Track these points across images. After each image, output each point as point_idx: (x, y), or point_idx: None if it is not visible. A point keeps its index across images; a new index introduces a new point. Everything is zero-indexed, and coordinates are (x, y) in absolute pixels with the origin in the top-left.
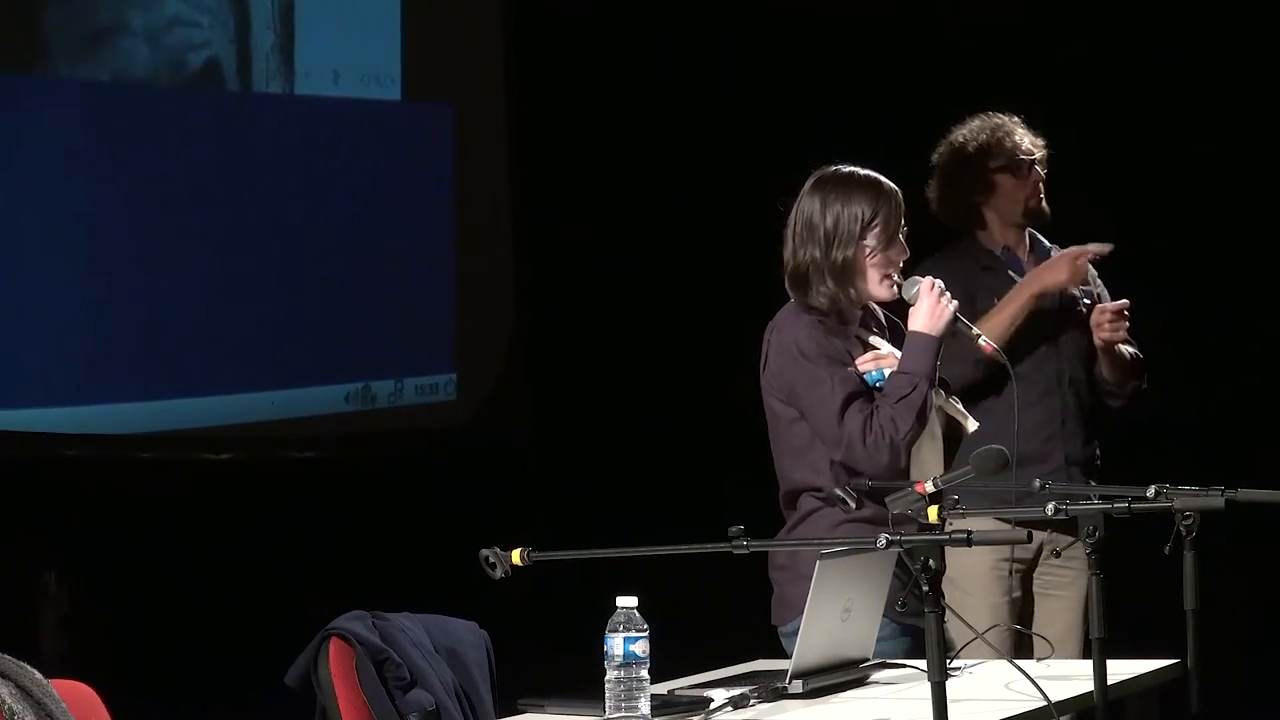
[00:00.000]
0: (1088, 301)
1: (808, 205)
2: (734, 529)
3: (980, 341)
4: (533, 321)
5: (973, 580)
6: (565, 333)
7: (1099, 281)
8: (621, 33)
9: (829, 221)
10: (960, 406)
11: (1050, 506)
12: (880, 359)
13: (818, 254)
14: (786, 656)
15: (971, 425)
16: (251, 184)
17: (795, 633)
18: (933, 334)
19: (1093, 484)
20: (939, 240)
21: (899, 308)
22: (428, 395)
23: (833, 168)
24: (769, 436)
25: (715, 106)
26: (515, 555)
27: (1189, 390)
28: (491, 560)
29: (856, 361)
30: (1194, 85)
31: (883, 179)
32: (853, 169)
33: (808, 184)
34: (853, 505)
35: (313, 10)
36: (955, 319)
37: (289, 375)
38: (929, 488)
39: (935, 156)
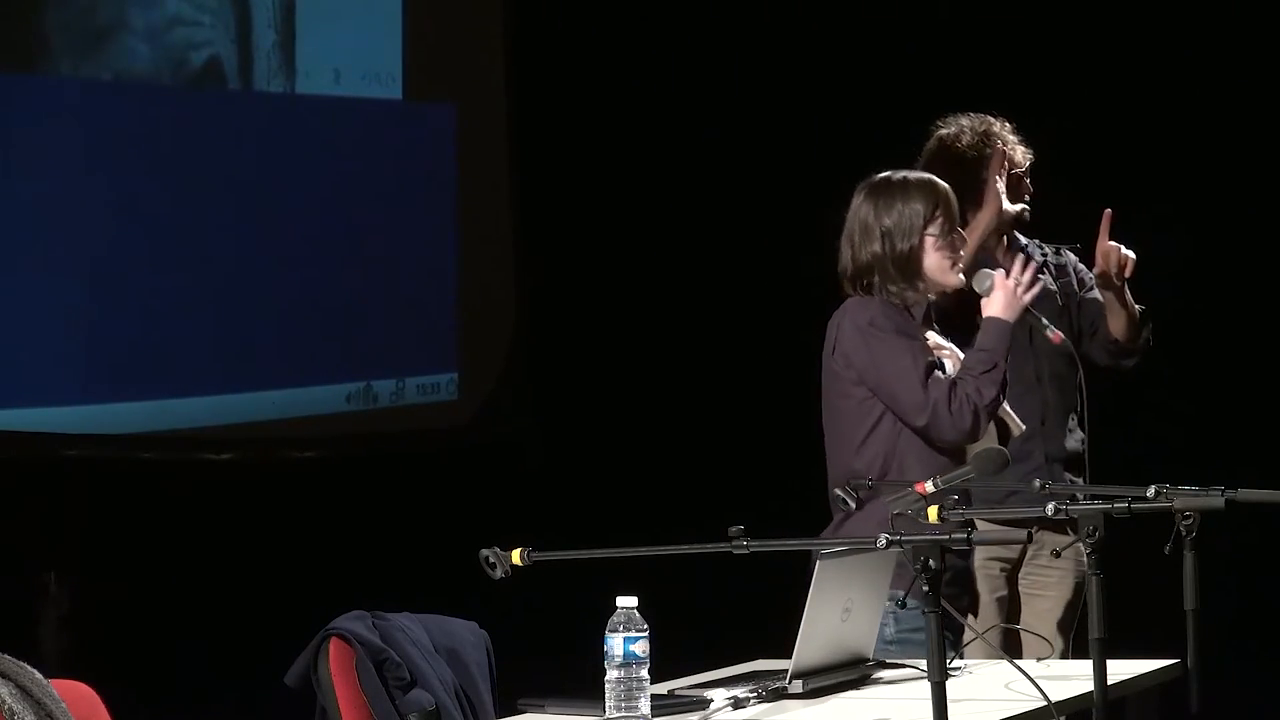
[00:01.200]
0: (1068, 294)
1: (863, 211)
2: (734, 529)
3: (1048, 333)
4: (533, 321)
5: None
6: (566, 332)
7: (1083, 271)
8: (621, 33)
9: (888, 220)
10: (1009, 409)
11: (1050, 506)
12: (940, 348)
13: (878, 249)
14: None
15: (1019, 429)
16: (252, 183)
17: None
18: (1008, 320)
19: (1077, 481)
20: None
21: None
22: (429, 395)
23: (881, 174)
24: (826, 428)
25: (715, 106)
26: (515, 555)
27: (1189, 390)
28: (491, 560)
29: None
30: (1192, 86)
31: (935, 178)
32: (904, 172)
33: (860, 193)
34: (853, 505)
35: (313, 10)
36: (1028, 310)
37: (289, 375)
38: (929, 488)
39: (924, 151)
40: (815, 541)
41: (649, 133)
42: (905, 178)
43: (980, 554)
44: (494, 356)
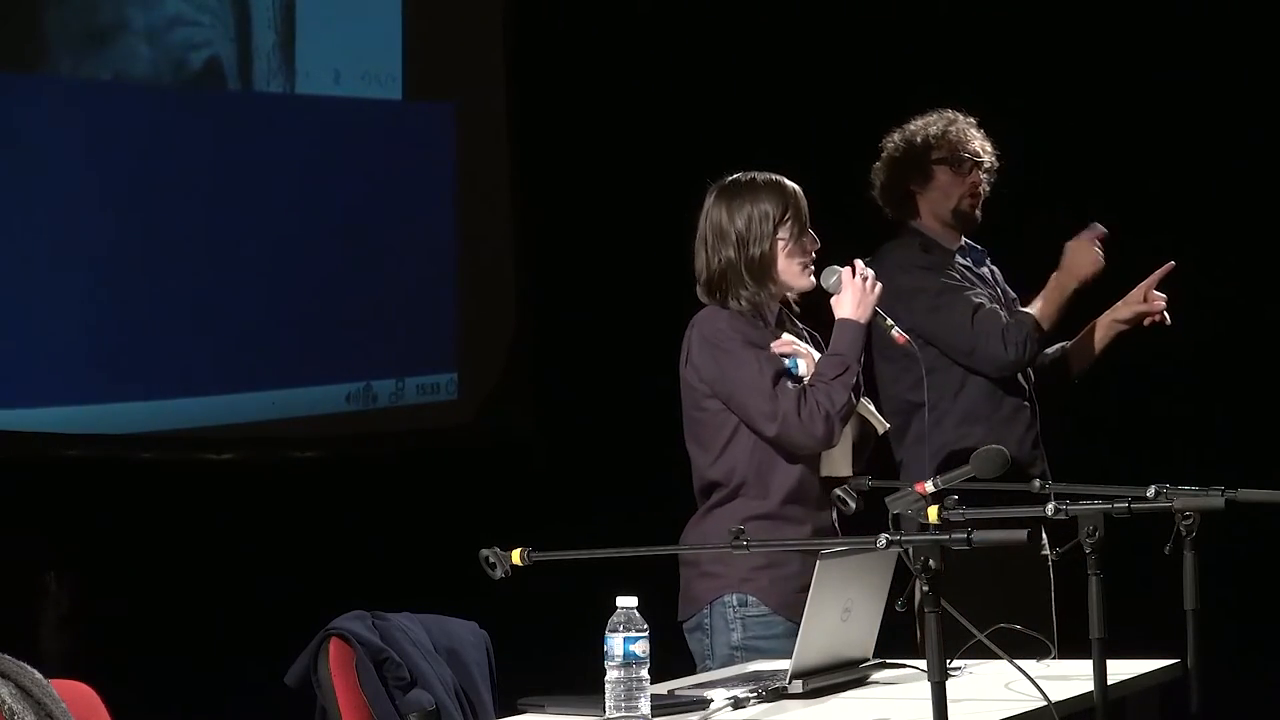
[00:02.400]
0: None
1: (715, 214)
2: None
3: (893, 333)
4: (533, 321)
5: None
6: (566, 332)
7: (1000, 281)
8: (621, 33)
9: (739, 223)
10: (873, 408)
11: (1050, 507)
12: (795, 346)
13: (732, 254)
14: (690, 656)
15: (882, 427)
16: (252, 184)
17: (698, 628)
18: (860, 320)
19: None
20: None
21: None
22: (429, 394)
23: (731, 177)
24: (686, 433)
25: (715, 107)
26: (515, 555)
27: (1189, 390)
28: (491, 560)
29: (773, 345)
30: (1190, 86)
31: (783, 178)
32: (752, 174)
33: (710, 196)
34: (852, 505)
35: (313, 10)
36: (875, 309)
37: (289, 375)
38: (929, 488)
39: (886, 142)
40: (815, 542)
41: (649, 133)
42: (754, 179)
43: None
44: (494, 356)
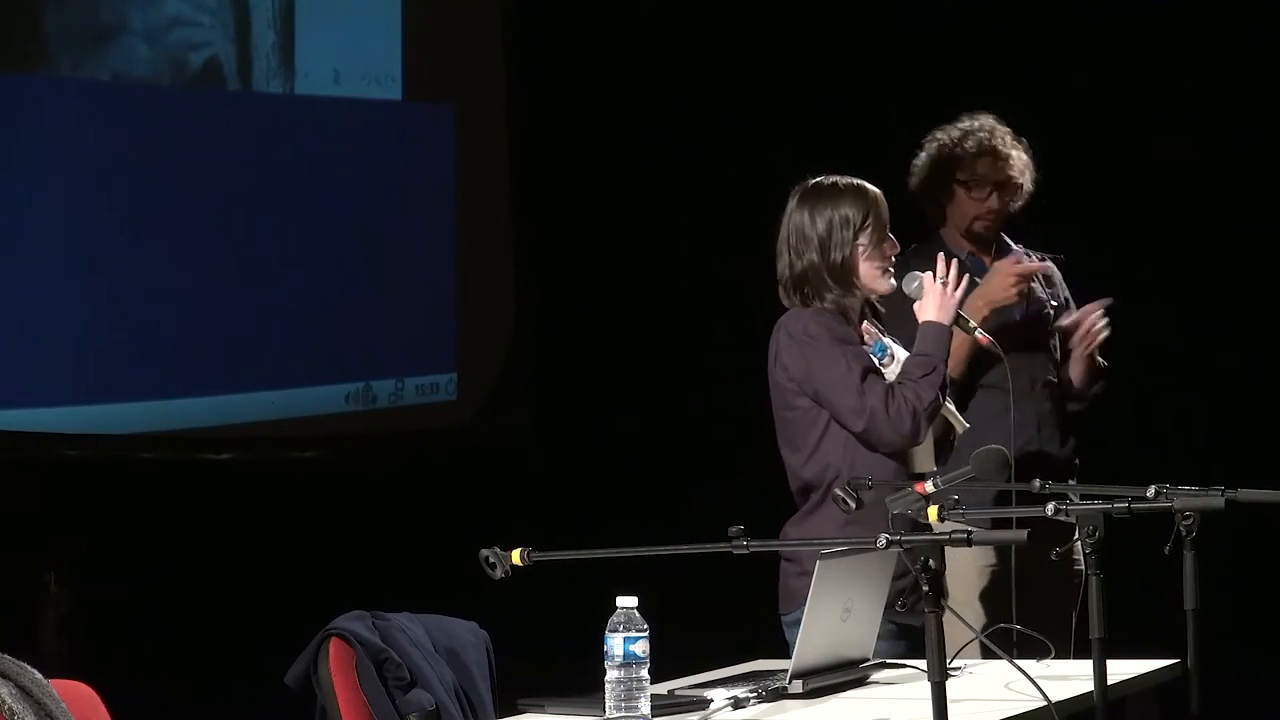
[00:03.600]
0: (1055, 304)
1: (797, 217)
2: (734, 529)
3: (976, 335)
4: (533, 321)
5: (959, 583)
6: (565, 332)
7: (1064, 285)
8: (621, 33)
9: (821, 228)
10: (953, 408)
11: (1050, 506)
12: (883, 336)
13: (815, 258)
14: (785, 643)
15: (961, 427)
16: (251, 184)
17: (795, 623)
18: (944, 323)
19: (1071, 483)
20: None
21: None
22: (428, 395)
23: (813, 180)
24: (779, 436)
25: (714, 107)
26: (515, 555)
27: (1188, 390)
28: (491, 560)
29: (863, 327)
30: (1187, 97)
31: (865, 183)
32: (834, 178)
33: (793, 199)
34: (853, 505)
35: (313, 10)
36: (958, 312)
37: (289, 375)
38: (929, 488)
39: (925, 144)
40: (815, 541)
41: (649, 133)
42: (836, 183)
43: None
44: (494, 356)
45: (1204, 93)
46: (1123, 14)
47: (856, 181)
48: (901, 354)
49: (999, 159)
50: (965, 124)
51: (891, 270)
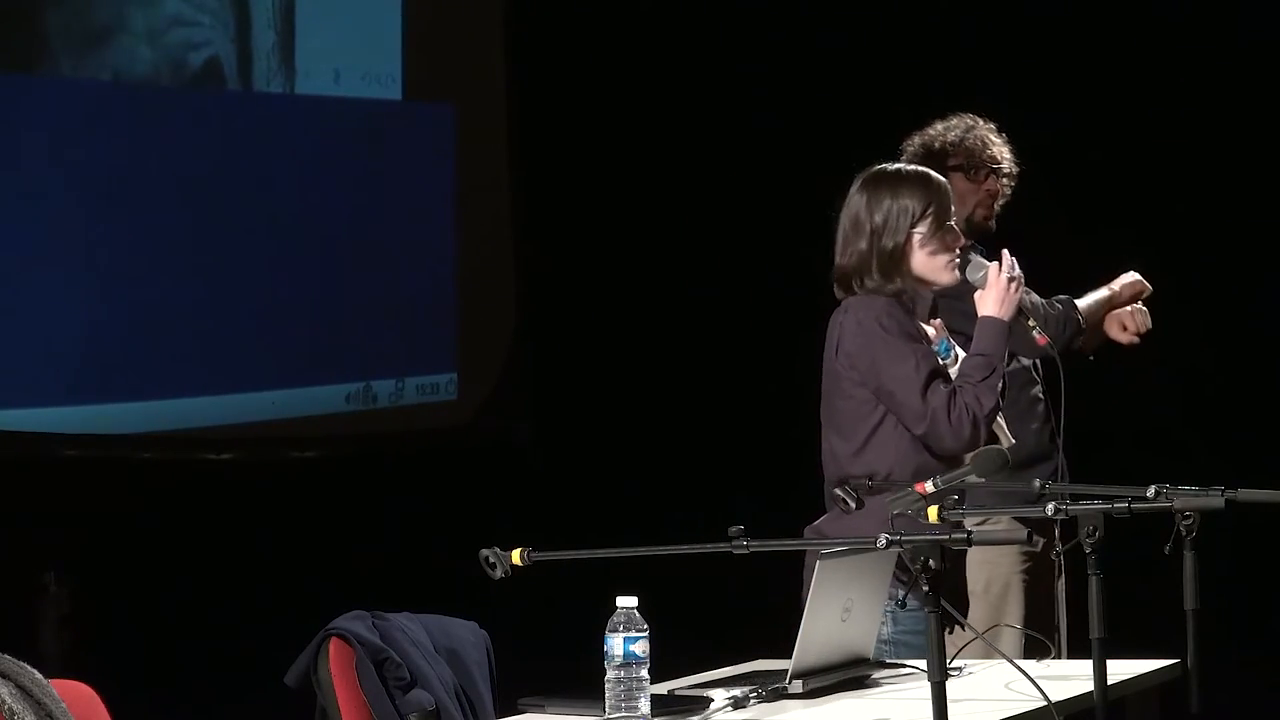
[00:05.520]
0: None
1: (855, 203)
2: (734, 529)
3: (1034, 334)
4: (533, 321)
5: (1003, 590)
6: (565, 332)
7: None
8: (621, 32)
9: (877, 217)
10: (1002, 422)
11: (1050, 506)
12: (946, 335)
13: (864, 246)
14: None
15: (1008, 442)
16: (252, 184)
17: None
18: (1004, 319)
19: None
20: None
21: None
22: (428, 395)
23: (878, 166)
24: (825, 422)
25: (714, 107)
26: (515, 555)
27: (1189, 390)
28: (491, 560)
29: (930, 325)
30: (1190, 92)
31: (930, 172)
32: (899, 165)
33: (855, 184)
34: (853, 505)
35: (313, 10)
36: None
37: (289, 375)
38: (929, 488)
39: (905, 145)
40: (815, 541)
41: (649, 133)
42: (900, 171)
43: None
44: (494, 356)
45: (1204, 92)
46: (1121, 13)
47: (920, 169)
48: (962, 355)
49: (990, 142)
50: (952, 120)
51: (956, 261)
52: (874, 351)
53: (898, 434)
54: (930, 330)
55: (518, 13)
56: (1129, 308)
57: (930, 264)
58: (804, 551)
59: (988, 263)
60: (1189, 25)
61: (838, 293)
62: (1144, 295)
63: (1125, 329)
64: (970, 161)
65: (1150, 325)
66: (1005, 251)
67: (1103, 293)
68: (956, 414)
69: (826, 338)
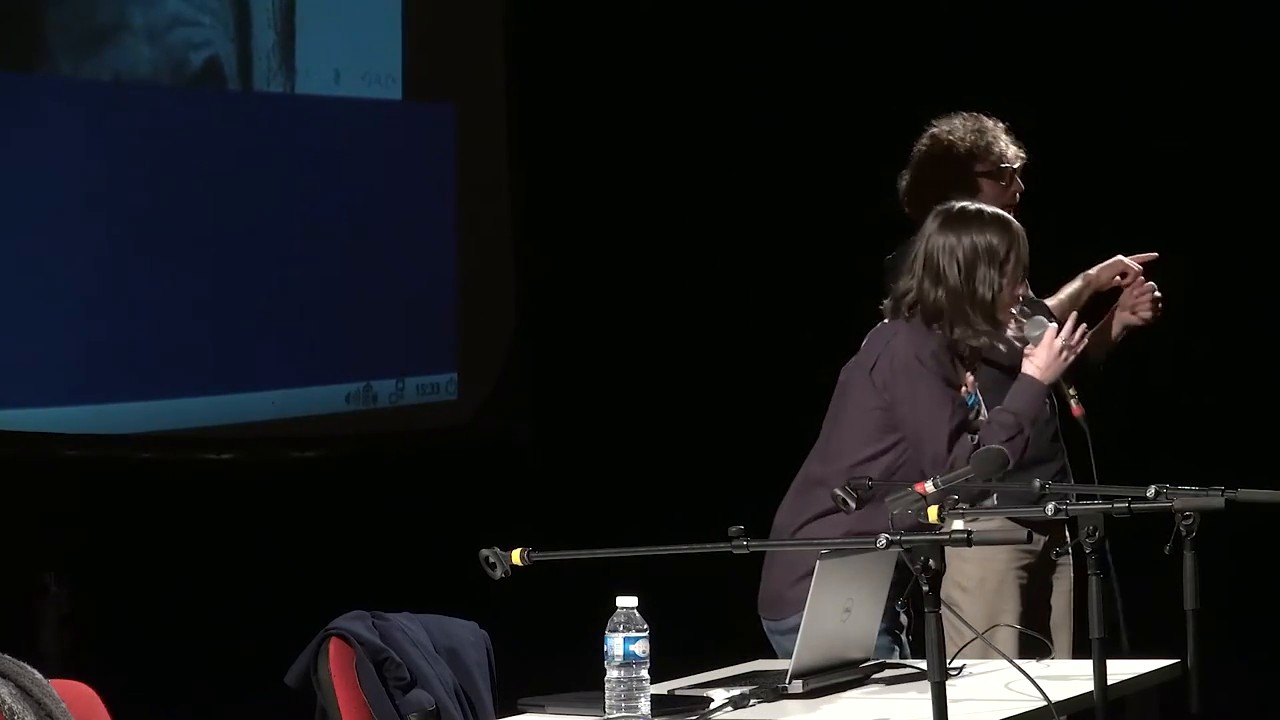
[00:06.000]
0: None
1: (940, 241)
2: (734, 529)
3: (1072, 403)
4: (533, 321)
5: (997, 586)
6: (565, 332)
7: None
8: (621, 32)
9: (962, 259)
10: None
11: (1050, 506)
12: (975, 390)
13: (959, 287)
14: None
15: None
16: (252, 184)
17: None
18: (1045, 383)
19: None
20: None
21: None
22: (428, 395)
23: (958, 206)
24: (830, 432)
25: (714, 107)
26: (515, 555)
27: (1189, 390)
28: (491, 560)
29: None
30: (1189, 92)
31: (1010, 217)
32: (980, 207)
33: (934, 222)
34: (853, 505)
35: (313, 10)
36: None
37: (289, 375)
38: (929, 488)
39: (916, 147)
40: (815, 541)
41: (649, 133)
42: (981, 212)
43: (1008, 561)
44: (494, 356)
45: (1203, 91)
46: (1121, 13)
47: (1000, 214)
48: (985, 415)
49: (1011, 144)
50: (950, 123)
51: (1015, 312)
52: (914, 386)
53: (898, 462)
54: (969, 379)
55: (518, 13)
56: (1133, 293)
57: (1005, 310)
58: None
59: (1049, 324)
60: (1188, 25)
61: (888, 314)
62: (1129, 274)
63: (1134, 312)
64: (997, 168)
65: (1155, 292)
66: (1072, 318)
67: (1076, 283)
68: None
69: (864, 348)
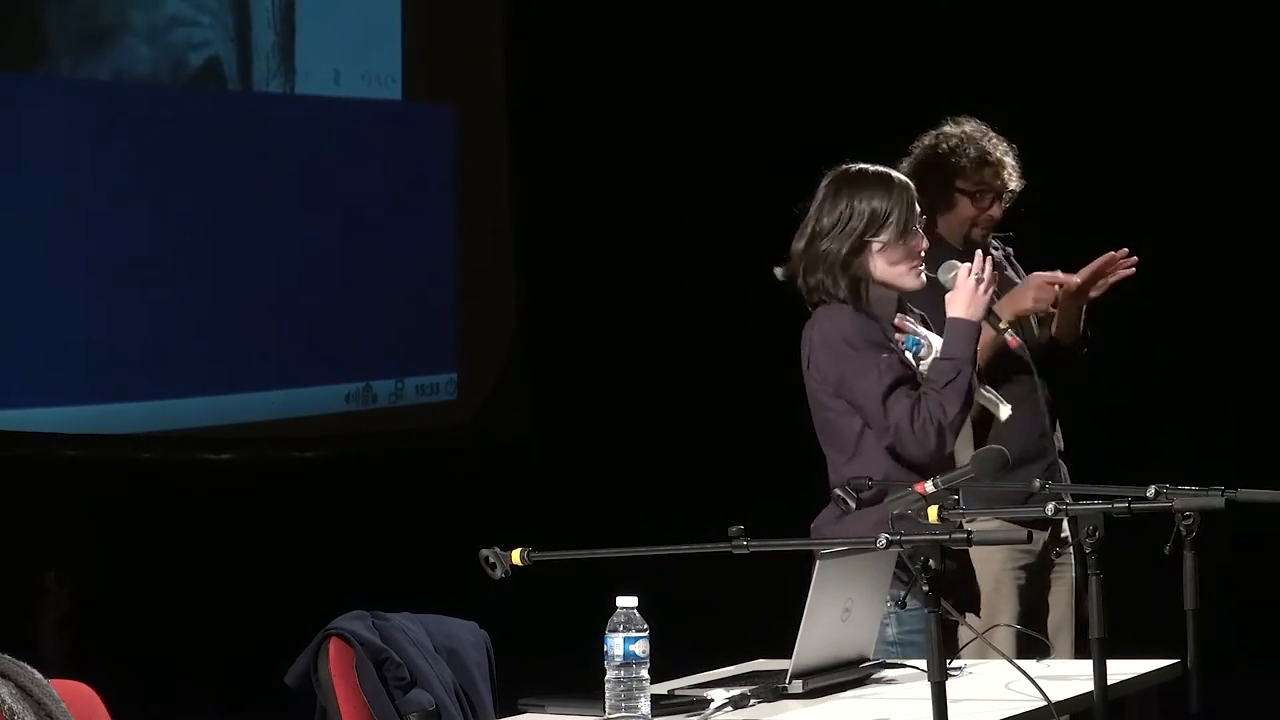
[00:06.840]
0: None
1: (819, 203)
2: (734, 529)
3: (1006, 336)
4: (533, 321)
5: (994, 586)
6: (565, 332)
7: (1014, 263)
8: (622, 33)
9: (841, 218)
10: (992, 395)
11: (1050, 506)
12: (916, 326)
13: (831, 246)
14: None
15: (1004, 412)
16: (252, 184)
17: None
18: (973, 319)
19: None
20: None
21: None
22: (428, 395)
23: (843, 166)
24: (819, 435)
25: (715, 108)
26: (515, 555)
27: (1189, 390)
28: (491, 560)
29: (896, 320)
30: (1179, 91)
31: (893, 173)
32: (863, 166)
33: (821, 183)
34: (853, 505)
35: (313, 10)
36: (989, 311)
37: (289, 375)
38: (929, 488)
39: (916, 144)
40: (815, 541)
41: (649, 133)
42: (862, 171)
43: (1004, 561)
44: (494, 357)
45: (1202, 91)
46: (1121, 14)
47: (884, 171)
48: (937, 342)
49: (1002, 167)
50: (957, 130)
51: (920, 266)
52: (840, 366)
53: (875, 443)
54: (909, 325)
55: (518, 13)
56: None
57: (893, 271)
58: (804, 551)
59: (960, 264)
60: (1189, 25)
61: (800, 284)
62: (1114, 265)
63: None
64: (979, 188)
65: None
66: (979, 253)
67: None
68: (920, 424)
69: (801, 353)
